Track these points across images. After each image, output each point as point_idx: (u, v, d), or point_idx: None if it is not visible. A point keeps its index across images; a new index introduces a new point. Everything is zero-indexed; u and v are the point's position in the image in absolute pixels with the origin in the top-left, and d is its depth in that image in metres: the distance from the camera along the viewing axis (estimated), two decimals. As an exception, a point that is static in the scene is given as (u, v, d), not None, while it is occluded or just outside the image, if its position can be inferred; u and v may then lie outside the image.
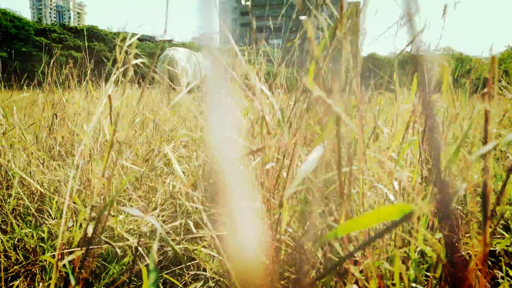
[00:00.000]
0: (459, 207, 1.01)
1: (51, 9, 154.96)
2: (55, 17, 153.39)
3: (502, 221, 1.06)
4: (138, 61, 0.67)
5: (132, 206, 1.24)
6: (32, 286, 0.95)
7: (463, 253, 0.78)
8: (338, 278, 0.61)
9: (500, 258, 0.98)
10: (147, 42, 35.25)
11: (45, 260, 0.98)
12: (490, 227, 0.41)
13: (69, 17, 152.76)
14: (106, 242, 0.85)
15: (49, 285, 0.93)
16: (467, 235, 0.77)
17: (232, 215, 0.23)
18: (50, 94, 2.17)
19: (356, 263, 0.64)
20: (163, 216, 1.35)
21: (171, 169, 1.72)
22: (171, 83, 5.55)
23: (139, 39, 34.46)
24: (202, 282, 0.94)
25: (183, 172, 1.62)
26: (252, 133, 0.96)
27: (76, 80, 2.34)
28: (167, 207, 1.42)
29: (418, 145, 0.77)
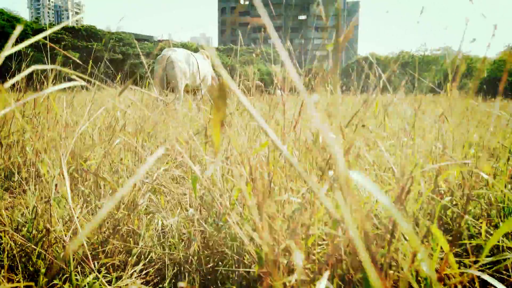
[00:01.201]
0: None
1: (49, 9, 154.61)
2: (53, 17, 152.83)
3: None
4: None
5: (103, 266, 0.92)
6: None
7: None
8: None
9: None
10: (146, 42, 34.82)
11: None
12: None
13: (67, 17, 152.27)
14: None
15: None
16: None
17: None
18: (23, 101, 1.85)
19: None
20: (146, 274, 1.03)
21: (159, 198, 1.40)
22: (168, 85, 5.22)
23: (137, 39, 34.09)
24: None
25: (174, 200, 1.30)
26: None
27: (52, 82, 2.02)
28: (154, 256, 1.09)
29: None
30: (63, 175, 1.04)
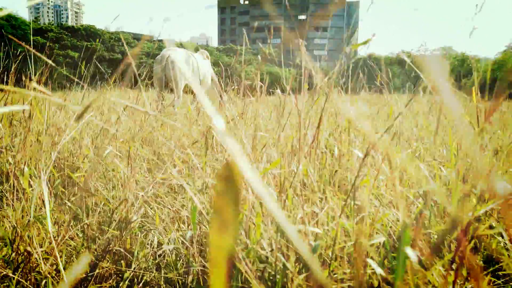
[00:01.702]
0: None
1: (49, 8, 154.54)
2: (53, 17, 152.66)
3: None
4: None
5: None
6: None
7: None
8: None
9: None
10: (145, 41, 34.59)
11: None
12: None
13: (67, 17, 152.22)
14: None
15: None
16: None
17: None
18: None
19: None
20: (139, 301, 0.92)
21: (155, 212, 1.29)
22: (168, 85, 5.11)
23: (137, 39, 33.92)
24: None
25: (175, 214, 1.19)
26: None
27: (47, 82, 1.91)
28: (149, 278, 0.99)
29: None
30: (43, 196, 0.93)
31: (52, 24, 35.13)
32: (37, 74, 1.57)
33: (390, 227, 0.95)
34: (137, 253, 1.00)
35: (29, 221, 0.85)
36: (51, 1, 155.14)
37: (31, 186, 1.07)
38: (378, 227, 0.84)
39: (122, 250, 0.96)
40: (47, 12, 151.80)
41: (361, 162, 0.54)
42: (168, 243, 1.11)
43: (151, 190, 1.26)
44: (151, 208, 1.31)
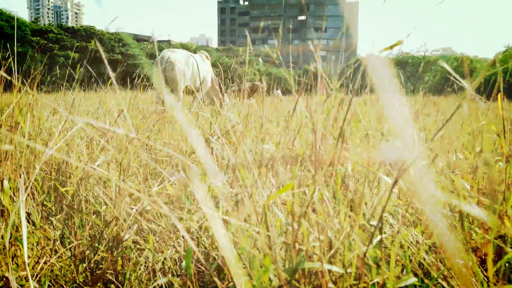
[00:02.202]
0: None
1: (48, 9, 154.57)
2: (53, 17, 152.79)
3: None
4: None
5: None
6: None
7: None
8: None
9: None
10: (145, 42, 34.53)
11: None
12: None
13: (67, 17, 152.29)
14: None
15: None
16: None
17: None
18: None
19: None
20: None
21: (152, 222, 1.20)
22: (167, 87, 5.02)
23: (137, 39, 33.85)
24: None
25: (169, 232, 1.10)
26: None
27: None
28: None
29: None
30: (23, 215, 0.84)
31: (52, 25, 35.03)
32: (21, 76, 1.48)
33: (408, 248, 0.86)
34: (129, 275, 0.91)
35: (5, 246, 0.76)
36: (51, 2, 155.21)
37: (14, 201, 0.98)
38: (397, 250, 0.75)
39: (112, 273, 0.87)
40: (47, 13, 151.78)
41: (390, 191, 0.45)
42: (163, 262, 1.02)
43: (146, 201, 1.17)
44: (146, 220, 1.22)
